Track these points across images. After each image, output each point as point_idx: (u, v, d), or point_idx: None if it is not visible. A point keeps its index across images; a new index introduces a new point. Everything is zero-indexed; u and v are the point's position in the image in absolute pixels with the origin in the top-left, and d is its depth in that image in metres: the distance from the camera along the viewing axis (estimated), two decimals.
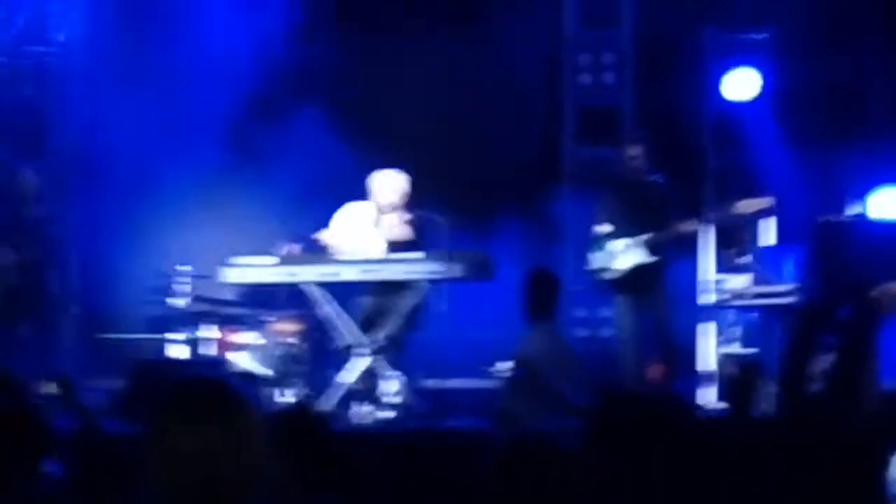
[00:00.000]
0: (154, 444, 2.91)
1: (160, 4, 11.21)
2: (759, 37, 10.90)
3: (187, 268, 10.29)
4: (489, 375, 8.69)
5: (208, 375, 3.40)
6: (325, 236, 9.53)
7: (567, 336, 9.26)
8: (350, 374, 9.21)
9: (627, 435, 3.25)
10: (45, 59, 11.19)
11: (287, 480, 4.22)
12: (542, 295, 8.44)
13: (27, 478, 4.37)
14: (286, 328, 10.14)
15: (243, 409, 2.96)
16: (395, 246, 9.40)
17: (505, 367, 8.40)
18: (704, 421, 7.46)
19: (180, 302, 10.25)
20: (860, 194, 10.16)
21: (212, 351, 10.28)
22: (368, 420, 9.04)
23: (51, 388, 6.70)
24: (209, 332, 10.33)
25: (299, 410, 5.15)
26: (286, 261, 9.52)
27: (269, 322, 10.20)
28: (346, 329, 9.27)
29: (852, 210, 10.08)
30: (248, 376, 9.47)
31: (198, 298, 10.51)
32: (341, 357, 9.46)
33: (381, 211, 9.50)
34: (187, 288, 10.35)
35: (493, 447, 3.82)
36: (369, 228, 9.52)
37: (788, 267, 9.72)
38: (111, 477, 5.14)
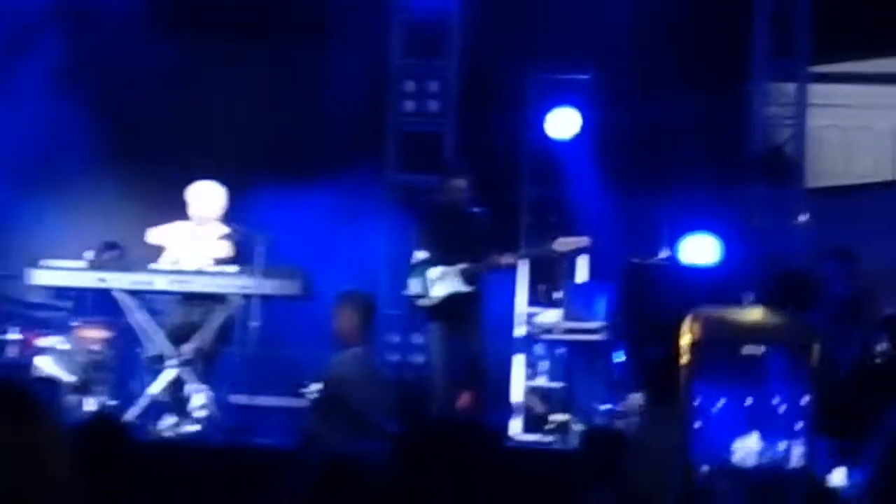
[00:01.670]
0: None
1: None
2: (581, 77, 11.14)
3: None
4: (299, 395, 8.66)
5: (7, 378, 3.33)
6: (155, 238, 9.39)
7: (379, 360, 9.28)
8: (157, 385, 9.09)
9: (435, 460, 3.28)
10: None
11: (85, 491, 4.14)
12: (355, 317, 8.44)
13: None
14: (92, 334, 9.96)
15: (43, 415, 2.90)
16: (209, 258, 9.31)
17: (316, 387, 8.39)
18: (511, 450, 7.60)
19: None
20: (672, 239, 10.44)
21: (14, 353, 10.06)
22: (174, 432, 8.93)
23: None
24: (12, 334, 10.10)
25: (102, 420, 5.08)
26: (97, 266, 9.38)
27: (76, 327, 10.02)
28: (154, 339, 9.15)
29: (664, 253, 10.34)
30: (52, 382, 9.27)
31: (3, 299, 10.28)
32: (149, 367, 9.34)
33: (197, 223, 9.41)
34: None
35: (301, 468, 3.81)
36: (190, 241, 9.43)
37: (599, 304, 9.92)
38: None
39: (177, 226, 9.44)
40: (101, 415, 7.88)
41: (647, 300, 9.35)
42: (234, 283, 9.04)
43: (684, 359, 4.88)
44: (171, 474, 6.97)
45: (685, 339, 5.19)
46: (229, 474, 7.77)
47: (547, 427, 9.90)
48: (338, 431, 7.63)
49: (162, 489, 5.05)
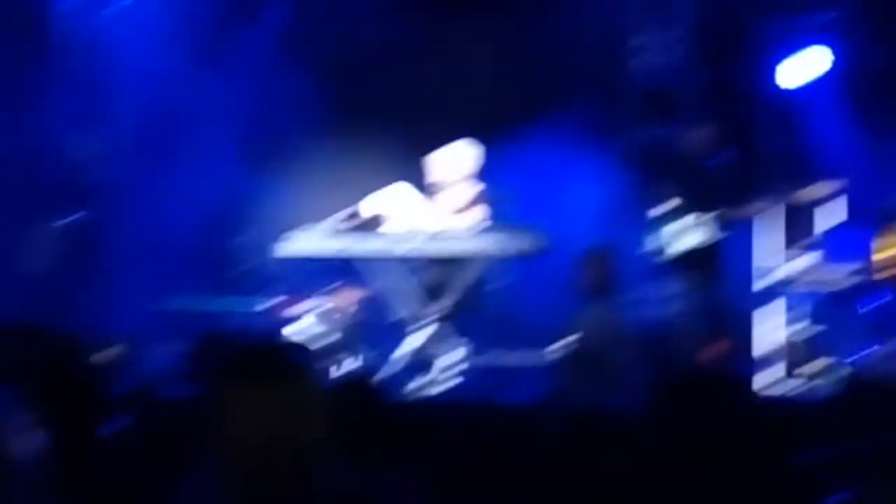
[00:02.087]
0: (216, 409, 2.94)
1: None
2: (826, 17, 10.80)
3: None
4: (548, 352, 8.68)
5: (270, 342, 3.43)
6: (385, 207, 9.54)
7: (625, 314, 9.20)
8: (408, 345, 9.24)
9: (686, 412, 3.25)
10: (110, 25, 11.25)
11: (341, 452, 4.24)
12: (599, 273, 8.39)
13: (90, 441, 4.42)
14: (346, 298, 10.18)
15: (301, 378, 2.99)
16: (459, 217, 9.39)
17: (562, 343, 8.39)
18: (764, 400, 7.44)
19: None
20: None
21: (274, 318, 10.36)
22: (427, 392, 9.07)
23: (110, 353, 6.79)
24: (272, 299, 10.41)
25: (358, 381, 5.18)
26: (345, 232, 9.56)
27: (330, 291, 10.25)
28: (406, 301, 9.30)
29: None
30: (308, 345, 9.50)
31: (257, 268, 10.60)
32: (400, 329, 9.50)
33: (444, 184, 9.48)
34: (252, 256, 10.47)
35: (553, 423, 3.83)
36: (433, 204, 9.53)
37: (855, 248, 9.62)
38: (171, 441, 5.19)
39: (410, 192, 9.52)
40: (357, 376, 8.07)
41: None
42: (479, 243, 9.11)
43: None
44: (425, 434, 7.08)
45: None
46: (483, 432, 7.85)
47: (802, 375, 9.68)
48: (587, 386, 7.63)
49: (416, 449, 5.11)
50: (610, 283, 8.43)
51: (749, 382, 5.03)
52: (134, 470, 4.67)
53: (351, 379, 7.30)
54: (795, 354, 10.19)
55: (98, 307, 10.14)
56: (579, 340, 8.11)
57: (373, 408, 4.68)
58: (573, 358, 7.94)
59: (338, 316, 10.02)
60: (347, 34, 11.04)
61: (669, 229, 9.32)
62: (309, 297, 10.27)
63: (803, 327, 10.31)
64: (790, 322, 10.38)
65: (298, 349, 3.06)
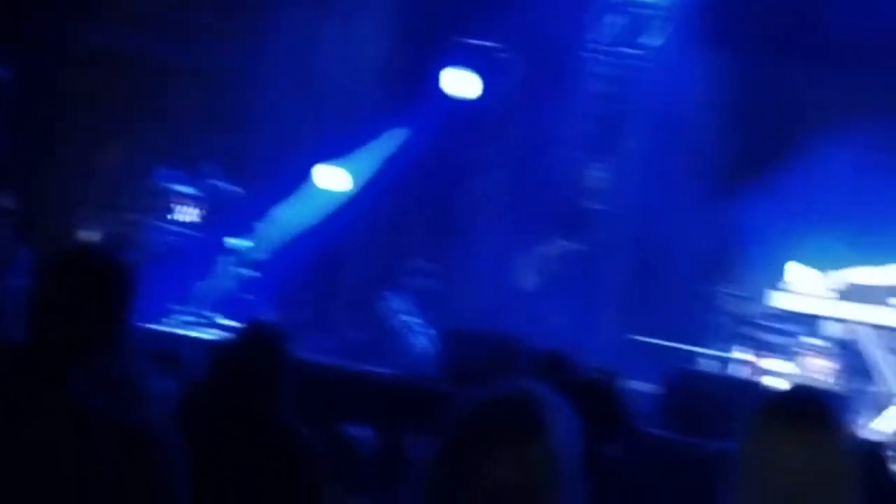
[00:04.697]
0: (749, 453, 2.87)
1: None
2: None
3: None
4: None
5: (809, 389, 3.33)
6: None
7: None
8: (887, 421, 8.90)
9: None
10: (633, 62, 11.48)
11: None
12: None
13: (595, 459, 4.48)
14: (821, 363, 9.91)
15: (841, 428, 2.89)
16: None
17: None
18: None
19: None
20: None
21: (743, 373, 10.22)
22: None
23: (604, 378, 6.84)
24: (743, 353, 10.27)
25: (876, 447, 5.01)
26: (839, 295, 9.30)
27: (804, 354, 10.01)
28: (889, 375, 8.95)
29: None
30: (838, 396, 9.27)
31: (735, 318, 10.48)
32: (877, 403, 9.16)
33: None
34: (728, 305, 10.38)
35: None
36: None
37: None
38: (669, 477, 5.20)
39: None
40: (872, 442, 7.81)
41: None
42: None
43: None
44: None
45: None
46: None
47: None
48: None
49: None
50: None
51: None
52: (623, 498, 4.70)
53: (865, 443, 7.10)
54: None
55: (576, 332, 10.31)
56: None
57: (879, 476, 4.54)
58: None
59: (810, 378, 9.77)
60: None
61: None
62: (781, 355, 10.08)
63: None
64: None
65: (833, 398, 2.98)
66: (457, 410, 2.65)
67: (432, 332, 10.08)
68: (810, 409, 2.94)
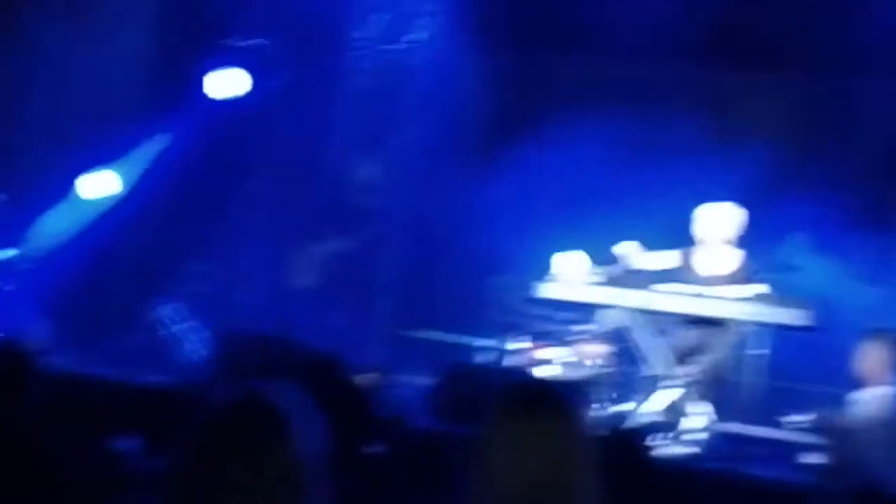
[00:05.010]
0: (487, 445, 2.89)
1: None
2: None
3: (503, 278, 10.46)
4: (779, 424, 8.47)
5: (543, 381, 3.38)
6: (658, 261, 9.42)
7: None
8: (654, 403, 9.12)
9: None
10: (398, 56, 11.55)
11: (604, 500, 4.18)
12: (883, 356, 8.08)
13: (352, 458, 4.47)
14: (594, 349, 10.11)
15: (577, 417, 2.94)
16: (720, 280, 9.23)
17: (798, 419, 8.16)
18: None
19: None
20: None
21: (519, 363, 10.36)
22: (667, 453, 8.92)
23: (365, 380, 6.87)
24: (519, 343, 10.42)
25: (625, 433, 5.13)
26: (605, 282, 9.50)
27: (578, 341, 10.20)
28: (658, 359, 9.17)
29: None
30: (576, 386, 9.45)
31: (509, 308, 10.62)
32: (646, 386, 9.38)
33: (709, 243, 9.33)
34: (502, 297, 10.51)
35: (831, 499, 3.70)
36: (697, 262, 9.40)
37: None
38: (427, 469, 5.22)
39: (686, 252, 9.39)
40: (623, 427, 8.00)
41: None
42: (743, 308, 8.91)
43: None
44: (669, 494, 6.97)
45: None
46: (723, 501, 7.69)
47: None
48: (863, 466, 7.38)
49: None
50: (892, 369, 8.11)
51: None
52: (381, 495, 4.71)
53: (619, 430, 7.25)
54: None
55: (353, 331, 10.33)
56: (854, 423, 7.85)
57: (638, 460, 4.63)
58: (853, 438, 7.68)
59: (584, 365, 9.96)
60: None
61: None
62: (556, 343, 10.25)
63: None
64: None
65: (570, 389, 3.02)
66: (200, 417, 2.62)
67: (206, 336, 9.97)
68: (543, 401, 2.97)
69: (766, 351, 8.73)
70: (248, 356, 8.10)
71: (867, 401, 7.98)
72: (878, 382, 8.03)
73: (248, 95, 11.37)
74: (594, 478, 2.95)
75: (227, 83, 11.32)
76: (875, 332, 8.38)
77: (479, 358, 10.77)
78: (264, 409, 2.65)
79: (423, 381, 9.43)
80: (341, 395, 4.78)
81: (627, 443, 4.62)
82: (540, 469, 2.87)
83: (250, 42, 11.31)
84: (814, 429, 8.13)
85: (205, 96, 11.31)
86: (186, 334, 10.35)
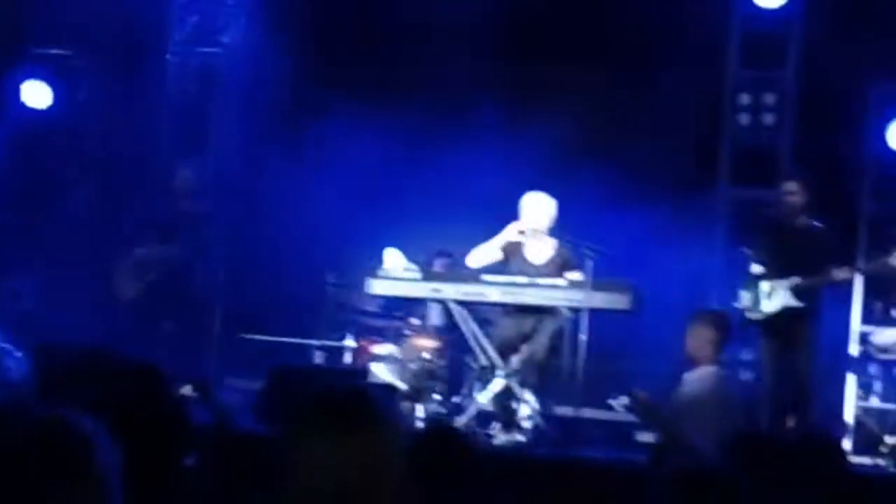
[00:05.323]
0: (291, 449, 2.88)
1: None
2: None
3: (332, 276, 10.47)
4: (608, 407, 8.63)
5: (350, 384, 3.38)
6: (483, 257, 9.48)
7: (730, 380, 8.97)
8: (485, 394, 9.20)
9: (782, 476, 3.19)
10: (211, 59, 11.47)
11: (420, 499, 4.19)
12: (710, 336, 8.26)
13: (169, 472, 4.41)
14: (424, 343, 10.18)
15: (382, 422, 2.92)
16: (539, 270, 9.35)
17: (623, 400, 8.32)
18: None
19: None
20: None
21: (350, 360, 10.38)
22: (501, 441, 9.02)
23: (188, 389, 6.82)
24: (348, 341, 10.43)
25: (440, 428, 5.14)
26: (431, 276, 9.56)
27: (408, 335, 10.25)
28: (484, 349, 9.26)
29: None
30: (390, 388, 9.50)
31: (341, 307, 10.63)
32: (478, 376, 9.47)
33: (528, 233, 9.44)
34: (333, 295, 10.52)
35: (656, 481, 3.76)
36: (519, 252, 9.50)
37: None
38: (245, 475, 5.18)
39: (505, 237, 9.48)
40: (439, 423, 8.04)
41: None
42: (564, 295, 9.06)
43: None
44: (499, 484, 7.03)
45: None
46: (556, 486, 7.80)
47: (881, 449, 9.52)
48: (686, 447, 7.51)
49: (491, 498, 5.07)
50: (719, 349, 8.29)
51: (839, 450, 4.89)
52: None
53: (434, 425, 7.27)
54: (874, 426, 10.05)
55: (177, 338, 10.22)
56: (685, 402, 7.99)
57: (456, 456, 4.64)
58: (675, 418, 7.82)
59: (415, 359, 10.02)
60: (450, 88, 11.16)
61: (760, 291, 9.22)
62: (390, 338, 10.29)
63: (881, 399, 10.19)
64: (870, 393, 10.26)
65: (380, 392, 3.01)
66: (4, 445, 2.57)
67: (21, 356, 9.75)
68: (344, 406, 2.96)
69: (586, 335, 8.85)
70: (64, 369, 7.94)
71: (694, 380, 8.15)
72: (706, 362, 8.20)
73: (59, 105, 11.20)
74: (403, 481, 2.94)
75: (37, 93, 11.17)
76: (701, 313, 8.58)
77: (313, 358, 10.76)
78: (55, 436, 2.60)
79: (252, 385, 9.39)
80: (160, 407, 4.69)
81: (446, 438, 4.63)
82: (344, 475, 2.86)
83: (59, 51, 11.14)
84: (633, 409, 8.27)
85: (21, 105, 11.14)
86: (5, 352, 10.11)
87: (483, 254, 9.45)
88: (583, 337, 8.86)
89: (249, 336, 10.76)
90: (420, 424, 9.29)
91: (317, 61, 11.34)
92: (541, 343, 9.16)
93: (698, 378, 8.16)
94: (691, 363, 8.27)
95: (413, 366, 9.97)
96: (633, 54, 11.13)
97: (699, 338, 8.25)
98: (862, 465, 9.25)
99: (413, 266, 9.73)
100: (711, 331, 8.28)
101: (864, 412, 10.27)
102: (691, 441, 7.46)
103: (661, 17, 10.69)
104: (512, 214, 9.48)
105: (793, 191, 9.27)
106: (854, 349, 10.39)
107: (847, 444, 9.94)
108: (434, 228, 10.50)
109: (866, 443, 9.88)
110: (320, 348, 10.75)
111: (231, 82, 11.43)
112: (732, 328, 8.55)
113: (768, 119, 11.13)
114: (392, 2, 11.02)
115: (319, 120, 11.16)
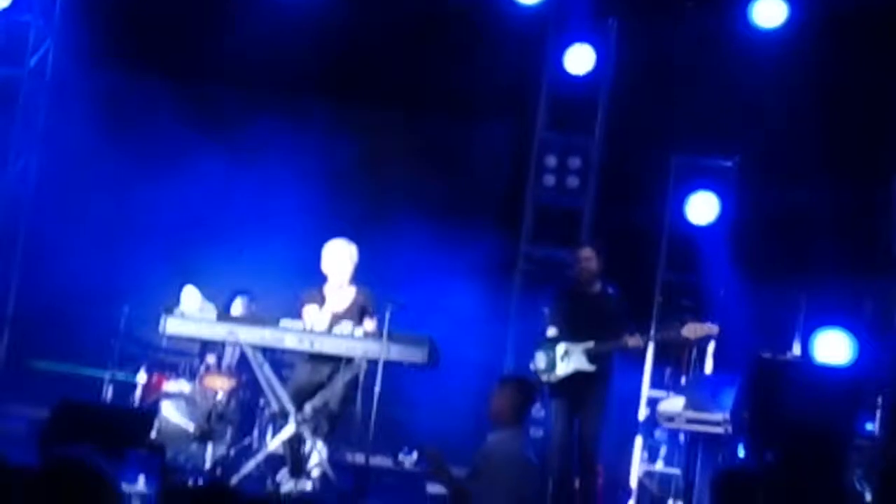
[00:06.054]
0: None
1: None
2: (724, 163, 11.04)
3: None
4: (397, 460, 8.67)
5: (69, 457, 3.39)
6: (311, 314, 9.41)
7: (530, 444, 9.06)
8: (277, 439, 9.14)
9: None
10: (13, 80, 11.27)
11: None
12: (516, 401, 8.31)
13: None
14: (219, 383, 10.08)
15: (101, 492, 2.96)
16: (338, 318, 9.32)
17: (413, 457, 8.34)
18: None
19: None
20: (805, 333, 10.22)
21: (140, 395, 10.23)
22: (287, 489, 8.96)
23: None
24: (140, 375, 10.28)
25: (215, 486, 5.07)
26: (226, 319, 9.44)
27: (202, 374, 10.15)
28: (278, 394, 9.19)
29: (796, 349, 10.13)
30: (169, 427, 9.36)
31: (135, 340, 10.47)
32: (270, 421, 9.40)
33: (331, 279, 9.41)
34: (127, 327, 10.35)
35: None
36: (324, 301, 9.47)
37: (724, 396, 9.69)
38: None
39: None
40: (215, 480, 7.94)
41: (774, 398, 9.09)
42: (361, 346, 9.02)
43: None
44: None
45: None
46: None
47: None
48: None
49: None
50: (522, 413, 8.35)
51: None
52: None
53: (210, 482, 7.19)
54: (657, 490, 10.29)
55: None
56: (487, 462, 8.02)
57: None
58: (477, 480, 7.84)
59: (208, 398, 9.92)
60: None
61: (556, 354, 9.35)
62: (184, 375, 10.16)
63: (664, 464, 10.44)
64: (655, 457, 10.50)
65: (98, 460, 3.05)
66: None
67: None
68: (64, 480, 2.97)
69: (379, 387, 8.85)
70: None
71: (498, 441, 8.21)
72: (510, 425, 8.26)
73: None
74: None
75: None
76: (507, 378, 8.67)
77: (104, 390, 10.55)
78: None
79: (39, 413, 9.17)
80: None
81: (222, 497, 4.57)
82: None
83: None
84: (423, 465, 8.30)
85: None
86: None
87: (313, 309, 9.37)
88: (377, 388, 8.85)
89: (38, 363, 10.54)
90: (207, 466, 9.21)
91: (125, 92, 11.22)
92: (335, 391, 9.12)
93: (501, 440, 8.22)
94: (495, 424, 8.33)
95: (205, 405, 9.85)
96: (453, 104, 11.28)
97: (504, 401, 8.30)
98: None
99: (210, 305, 9.62)
100: (517, 395, 8.34)
101: (648, 476, 10.49)
102: (487, 500, 7.53)
103: (480, 71, 10.87)
104: (316, 256, 9.44)
105: (588, 257, 9.44)
106: (643, 413, 10.63)
107: None
108: (237, 267, 10.44)
109: None
110: (112, 380, 10.53)
111: (34, 104, 11.21)
112: (536, 394, 8.65)
113: (572, 182, 11.38)
114: (209, 35, 10.94)
115: (125, 149, 11.02)
